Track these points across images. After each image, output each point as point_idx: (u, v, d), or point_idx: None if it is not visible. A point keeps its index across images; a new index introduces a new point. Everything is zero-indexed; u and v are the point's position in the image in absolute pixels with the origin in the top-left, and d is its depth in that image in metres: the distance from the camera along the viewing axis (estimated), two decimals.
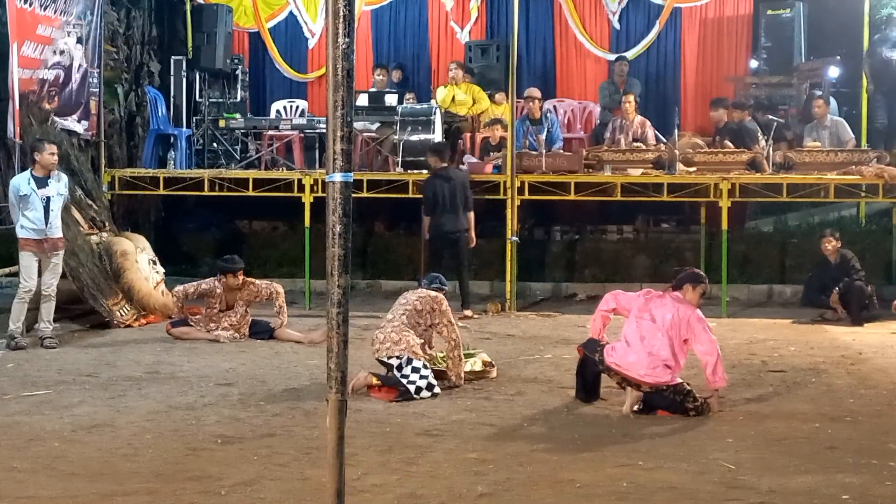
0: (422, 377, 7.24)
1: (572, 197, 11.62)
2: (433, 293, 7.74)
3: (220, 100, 13.82)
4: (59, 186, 9.33)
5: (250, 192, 12.03)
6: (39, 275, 9.28)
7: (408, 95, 13.43)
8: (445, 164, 11.19)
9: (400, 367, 7.23)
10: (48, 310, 9.31)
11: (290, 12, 14.66)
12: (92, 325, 10.24)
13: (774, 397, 7.30)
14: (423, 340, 7.56)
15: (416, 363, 7.26)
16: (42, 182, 9.17)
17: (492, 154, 12.39)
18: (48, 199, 9.19)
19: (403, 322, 7.55)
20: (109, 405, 6.94)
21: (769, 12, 13.47)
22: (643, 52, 14.14)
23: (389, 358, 7.31)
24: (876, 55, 12.58)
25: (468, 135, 13.37)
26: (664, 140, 12.03)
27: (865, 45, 12.97)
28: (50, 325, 9.31)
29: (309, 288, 11.88)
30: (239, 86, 14.01)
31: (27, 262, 9.17)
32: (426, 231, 11.20)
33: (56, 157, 9.34)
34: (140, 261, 10.82)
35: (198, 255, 13.57)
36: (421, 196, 11.25)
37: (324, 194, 3.97)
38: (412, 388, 7.18)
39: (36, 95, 10.73)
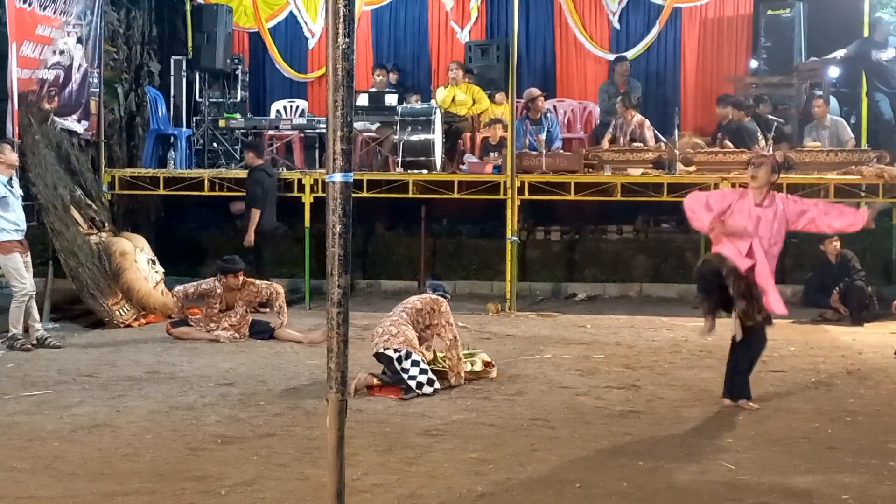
0: (422, 371, 7.25)
1: (572, 197, 11.62)
2: (434, 296, 7.76)
3: (220, 100, 13.82)
4: (17, 186, 9.33)
5: None
6: None
7: (414, 97, 13.43)
8: (261, 161, 11.45)
9: (399, 360, 7.23)
10: (36, 309, 9.28)
11: (290, 12, 14.66)
12: (92, 325, 10.24)
13: (774, 397, 7.30)
14: (423, 341, 7.56)
15: (416, 356, 7.28)
16: (10, 183, 9.15)
17: (491, 154, 12.39)
18: (20, 198, 9.18)
19: (403, 318, 7.56)
20: (109, 405, 6.94)
21: (769, 12, 13.46)
22: (643, 52, 14.14)
23: (387, 349, 7.31)
24: (867, 58, 12.61)
25: (468, 135, 13.37)
26: (664, 140, 12.03)
27: None
28: (39, 322, 9.29)
29: (309, 288, 11.88)
30: (239, 86, 14.01)
31: (17, 264, 9.06)
32: (254, 225, 11.12)
33: (16, 156, 9.29)
34: (139, 261, 10.83)
35: (197, 255, 13.57)
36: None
37: (324, 194, 3.98)
38: (413, 383, 7.19)
39: (36, 95, 10.72)
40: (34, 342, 9.08)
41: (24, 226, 9.20)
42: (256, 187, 11.28)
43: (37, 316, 9.28)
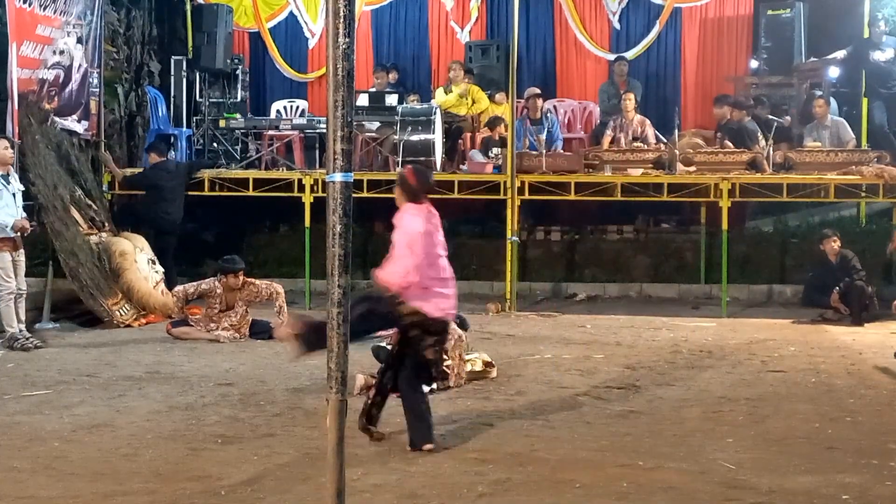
0: None
1: (572, 197, 11.62)
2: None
3: (220, 100, 13.81)
4: (17, 182, 9.31)
5: (250, 192, 12.03)
6: None
7: (411, 97, 13.43)
8: (164, 158, 11.93)
9: None
10: (23, 309, 9.24)
11: (290, 12, 14.65)
12: (92, 324, 10.24)
13: (774, 397, 7.29)
14: None
15: None
16: (5, 179, 9.13)
17: (493, 150, 12.35)
18: (13, 195, 9.15)
19: None
20: (109, 405, 6.94)
21: (769, 12, 13.46)
22: (643, 52, 14.13)
23: (390, 345, 7.30)
24: (865, 59, 12.62)
25: (468, 135, 13.37)
26: (664, 140, 12.03)
27: None
28: (22, 324, 9.23)
29: (309, 288, 11.88)
30: (239, 86, 14.00)
31: (4, 263, 9.02)
32: (110, 164, 12.04)
33: (10, 152, 9.28)
34: (139, 261, 10.83)
35: (198, 255, 13.57)
36: None
37: (324, 194, 3.98)
38: None
39: (35, 95, 10.73)
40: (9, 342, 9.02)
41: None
42: (146, 183, 11.82)
43: (22, 317, 9.22)
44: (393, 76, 14.03)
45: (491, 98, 13.42)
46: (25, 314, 9.31)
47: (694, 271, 13.08)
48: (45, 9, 10.83)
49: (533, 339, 9.73)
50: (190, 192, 12.30)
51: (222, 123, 13.29)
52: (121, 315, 10.33)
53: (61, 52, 11.19)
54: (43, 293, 10.51)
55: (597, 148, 12.36)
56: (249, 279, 9.81)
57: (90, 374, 8.01)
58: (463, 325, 7.90)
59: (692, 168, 11.61)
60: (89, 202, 11.17)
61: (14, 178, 9.28)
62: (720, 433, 6.29)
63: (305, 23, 14.66)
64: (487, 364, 7.94)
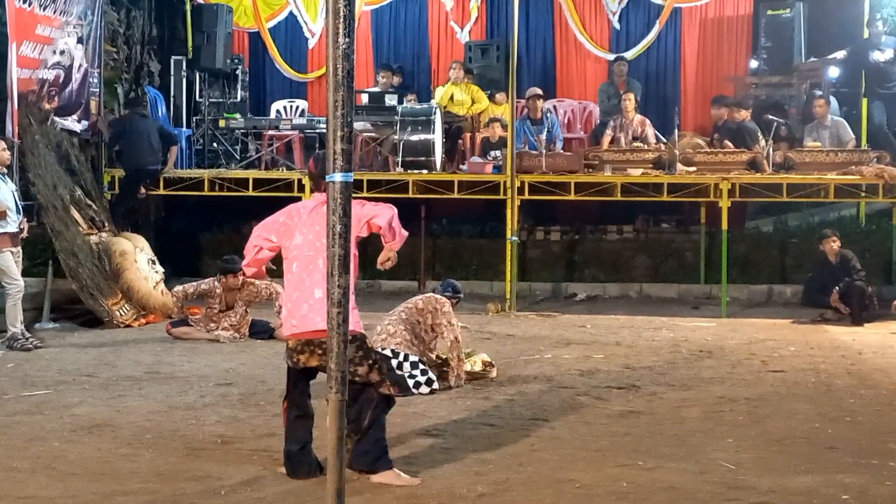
0: (422, 372, 7.25)
1: (572, 197, 11.63)
2: (438, 296, 7.73)
3: (220, 100, 13.82)
4: (11, 181, 9.30)
5: (250, 192, 12.04)
6: None
7: (409, 96, 13.43)
8: (137, 113, 12.16)
9: (400, 366, 7.23)
10: (20, 308, 9.23)
11: (290, 12, 14.66)
12: (92, 324, 10.24)
13: (774, 397, 7.29)
14: (423, 342, 7.54)
15: (413, 358, 7.28)
16: (2, 178, 9.13)
17: (492, 153, 12.37)
18: (11, 192, 9.15)
19: (402, 317, 7.54)
20: (109, 405, 6.93)
21: (769, 12, 13.46)
22: (643, 52, 14.14)
23: (384, 349, 7.30)
24: (865, 60, 12.63)
25: (468, 135, 13.38)
26: (664, 140, 12.03)
27: None
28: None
29: None
30: (239, 86, 14.01)
31: (7, 262, 9.02)
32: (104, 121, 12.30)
33: (8, 153, 9.28)
34: (139, 261, 10.83)
35: (198, 255, 13.58)
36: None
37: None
38: (411, 382, 7.19)
39: (35, 95, 10.73)
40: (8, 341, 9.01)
41: (16, 216, 9.15)
42: (117, 122, 12.28)
43: (21, 316, 9.22)
44: (397, 79, 14.02)
45: (491, 98, 13.42)
46: (24, 314, 9.30)
47: (694, 271, 13.09)
48: (45, 9, 10.84)
49: (533, 339, 9.73)
50: (190, 192, 12.33)
51: (222, 123, 13.32)
52: (121, 315, 10.33)
53: (61, 52, 11.19)
54: (43, 293, 10.51)
55: (597, 148, 12.36)
56: (249, 279, 9.81)
57: (90, 374, 8.01)
58: (456, 291, 7.91)
59: (692, 168, 11.61)
60: (89, 202, 11.17)
61: (7, 176, 9.25)
62: (720, 433, 6.28)
63: (305, 23, 14.67)
64: (487, 364, 7.93)
